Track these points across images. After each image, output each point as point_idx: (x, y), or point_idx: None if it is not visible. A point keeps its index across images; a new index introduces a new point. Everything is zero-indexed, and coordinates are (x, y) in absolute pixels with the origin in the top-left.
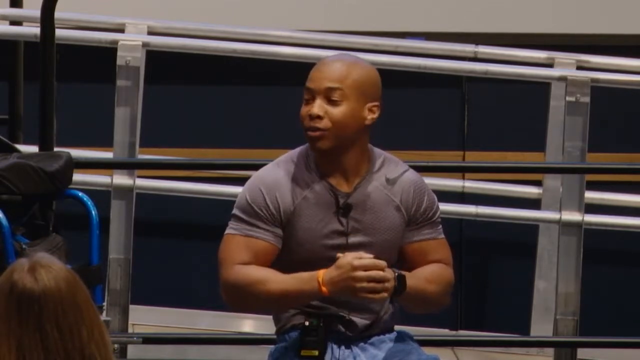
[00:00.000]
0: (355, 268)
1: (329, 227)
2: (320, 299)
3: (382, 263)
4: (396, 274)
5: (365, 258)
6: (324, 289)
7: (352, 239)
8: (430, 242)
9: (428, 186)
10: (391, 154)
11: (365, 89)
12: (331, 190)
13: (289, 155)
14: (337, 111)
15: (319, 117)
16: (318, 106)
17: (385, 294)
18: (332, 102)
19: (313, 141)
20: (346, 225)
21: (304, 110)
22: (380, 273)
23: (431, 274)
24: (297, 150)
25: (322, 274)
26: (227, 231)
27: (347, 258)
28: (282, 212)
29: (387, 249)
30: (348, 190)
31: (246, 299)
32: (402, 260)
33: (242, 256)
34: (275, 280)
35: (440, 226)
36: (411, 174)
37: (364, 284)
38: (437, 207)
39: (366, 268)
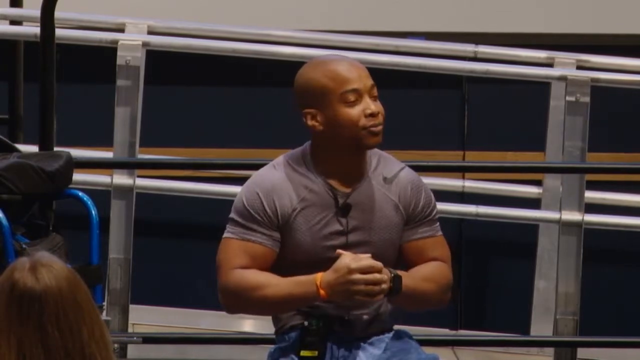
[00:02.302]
0: (352, 271)
1: (329, 228)
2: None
3: (379, 265)
4: (392, 275)
5: (363, 259)
6: (322, 292)
7: (352, 239)
8: (428, 240)
9: (425, 184)
10: (385, 152)
11: None
12: (330, 190)
13: (286, 157)
14: (380, 105)
15: (377, 113)
16: (373, 103)
17: (380, 296)
18: (374, 98)
19: (374, 137)
20: (346, 225)
21: (354, 112)
22: (377, 276)
23: (429, 273)
24: (294, 151)
25: (320, 277)
26: (224, 235)
27: (345, 260)
28: (280, 216)
29: (386, 248)
30: (347, 190)
31: (245, 303)
32: (401, 258)
33: (240, 260)
34: (274, 284)
35: (438, 224)
36: (408, 172)
37: (361, 287)
38: (435, 204)
39: (363, 271)
